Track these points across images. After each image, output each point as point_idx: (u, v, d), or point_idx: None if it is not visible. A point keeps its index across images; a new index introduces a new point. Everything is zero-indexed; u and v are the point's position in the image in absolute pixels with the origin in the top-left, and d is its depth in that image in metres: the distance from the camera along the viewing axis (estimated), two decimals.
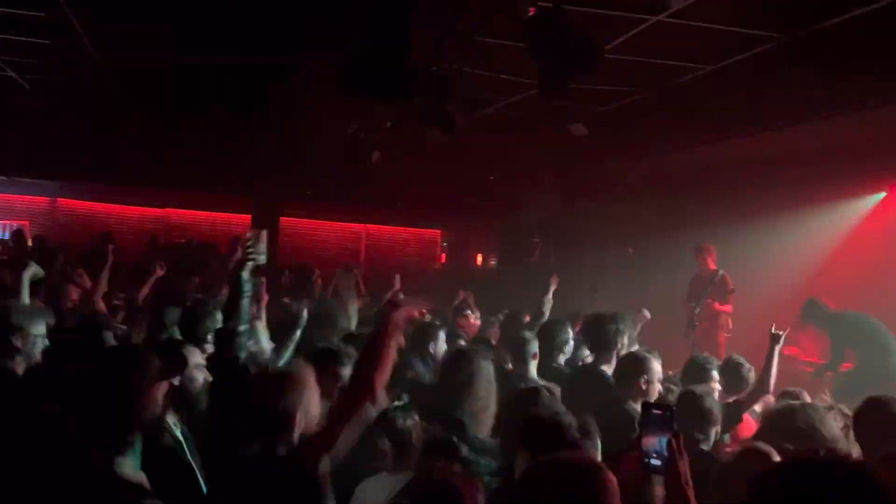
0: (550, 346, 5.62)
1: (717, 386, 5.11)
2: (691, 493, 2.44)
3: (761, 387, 5.05)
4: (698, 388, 4.28)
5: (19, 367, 3.99)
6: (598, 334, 5.36)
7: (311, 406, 2.92)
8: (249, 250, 4.16)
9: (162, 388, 2.73)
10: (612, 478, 2.17)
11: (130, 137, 12.98)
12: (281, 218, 15.10)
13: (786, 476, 1.73)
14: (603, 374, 5.16)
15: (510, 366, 5.40)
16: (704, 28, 6.78)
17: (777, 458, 3.05)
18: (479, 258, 15.12)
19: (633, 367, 4.70)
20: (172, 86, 11.10)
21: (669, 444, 2.49)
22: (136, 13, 7.93)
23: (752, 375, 5.38)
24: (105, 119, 12.80)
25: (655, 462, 2.51)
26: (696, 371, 5.23)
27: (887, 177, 8.60)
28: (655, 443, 2.51)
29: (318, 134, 11.37)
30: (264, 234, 4.26)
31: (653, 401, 4.28)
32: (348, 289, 9.01)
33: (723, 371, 5.34)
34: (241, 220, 15.44)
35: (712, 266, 9.26)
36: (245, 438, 2.93)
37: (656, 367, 4.68)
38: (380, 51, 5.19)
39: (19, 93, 12.07)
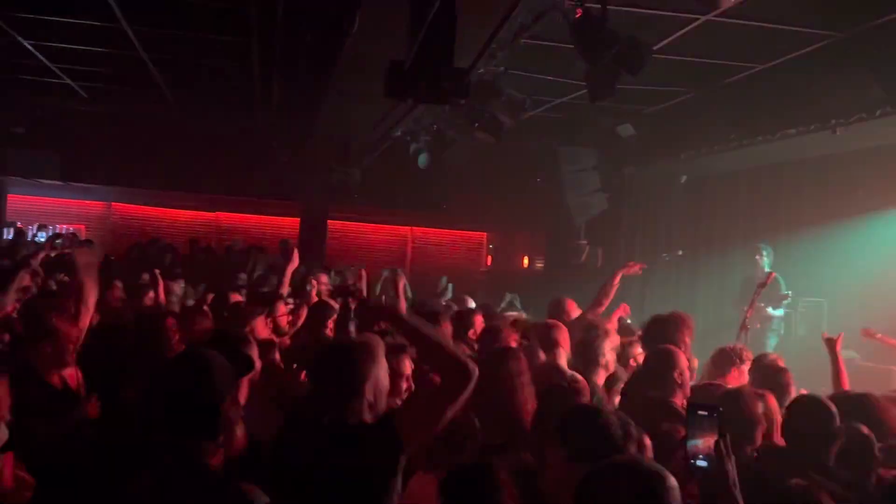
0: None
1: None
2: (739, 495, 2.42)
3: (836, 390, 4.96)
4: (744, 388, 4.17)
5: None
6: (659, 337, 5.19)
7: (381, 378, 2.94)
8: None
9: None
10: (676, 484, 2.15)
11: (182, 143, 13.26)
12: (328, 221, 15.25)
13: None
14: None
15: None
16: (754, 27, 6.69)
17: None
18: (526, 260, 15.07)
19: (664, 361, 4.59)
20: (222, 91, 11.31)
21: (717, 445, 2.46)
22: (188, 20, 8.10)
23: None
24: (158, 125, 13.10)
25: (702, 464, 2.47)
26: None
27: None
28: (701, 445, 2.48)
29: (365, 138, 11.47)
30: None
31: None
32: (392, 291, 9.07)
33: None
34: (289, 223, 15.63)
35: (766, 268, 9.09)
36: (318, 405, 2.98)
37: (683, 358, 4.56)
38: (426, 54, 5.21)
39: (76, 100, 12.43)
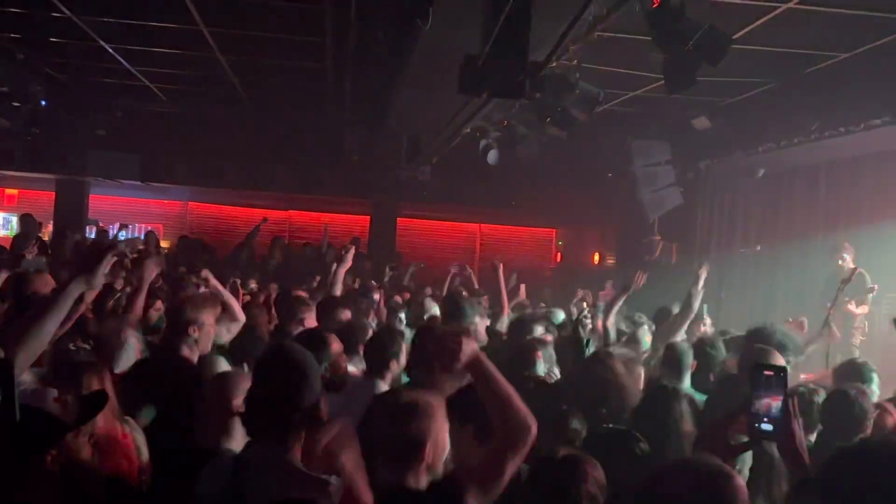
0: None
1: (875, 390, 4.80)
2: (806, 456, 2.33)
3: None
4: (851, 389, 4.02)
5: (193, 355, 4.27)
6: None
7: (440, 438, 2.76)
8: None
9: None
10: (742, 484, 2.10)
11: (255, 142, 13.52)
12: (398, 218, 15.35)
13: None
14: None
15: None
16: (837, 13, 6.47)
17: None
18: (597, 257, 14.89)
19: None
20: (296, 90, 11.50)
21: (784, 406, 2.36)
22: (264, 20, 8.26)
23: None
24: (232, 125, 13.39)
25: (767, 427, 2.37)
26: (853, 374, 4.91)
27: None
28: (766, 406, 2.38)
29: (435, 134, 11.50)
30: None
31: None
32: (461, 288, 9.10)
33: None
34: (359, 221, 15.79)
35: (850, 264, 8.79)
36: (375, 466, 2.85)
37: None
38: (501, 48, 5.18)
39: (154, 102, 12.79)
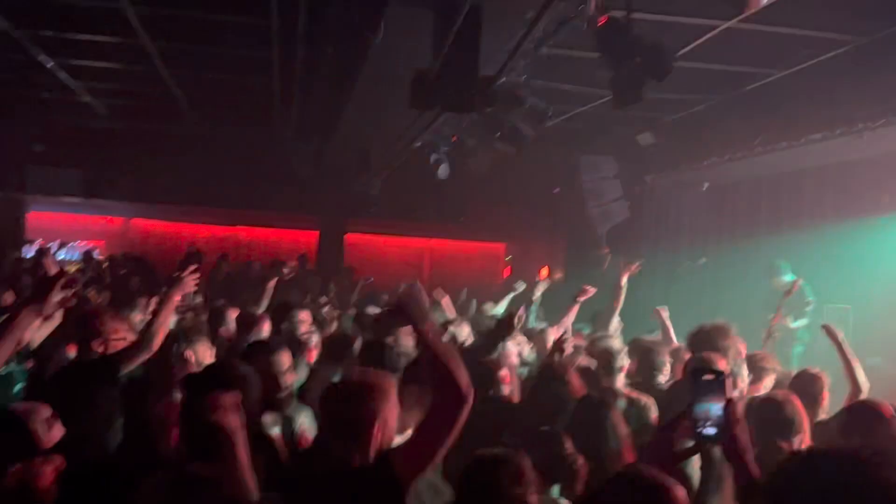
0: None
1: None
2: (752, 458, 2.33)
3: (853, 388, 4.92)
4: (780, 395, 4.11)
5: None
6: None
7: (390, 418, 2.79)
8: None
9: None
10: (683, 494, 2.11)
11: (201, 158, 13.33)
12: (346, 234, 15.26)
13: None
14: None
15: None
16: (775, 32, 6.65)
17: None
18: (545, 271, 14.99)
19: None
20: (242, 106, 11.37)
21: (725, 410, 2.36)
22: (210, 34, 8.15)
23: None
24: (177, 141, 13.18)
25: (710, 431, 2.36)
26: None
27: None
28: (708, 411, 2.37)
29: (384, 150, 11.49)
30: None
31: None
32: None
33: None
34: (308, 236, 15.65)
35: (785, 279, 9.03)
36: (323, 445, 2.87)
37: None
38: (452, 63, 5.21)
39: (96, 117, 12.53)
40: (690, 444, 2.48)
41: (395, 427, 2.83)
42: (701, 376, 2.44)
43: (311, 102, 9.60)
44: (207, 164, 13.42)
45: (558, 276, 14.36)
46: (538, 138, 8.39)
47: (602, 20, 5.54)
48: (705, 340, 4.89)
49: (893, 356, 8.82)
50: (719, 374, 2.44)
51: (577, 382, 4.13)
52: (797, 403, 3.88)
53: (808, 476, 1.66)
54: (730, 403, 2.37)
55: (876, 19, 6.27)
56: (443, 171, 10.21)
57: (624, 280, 7.18)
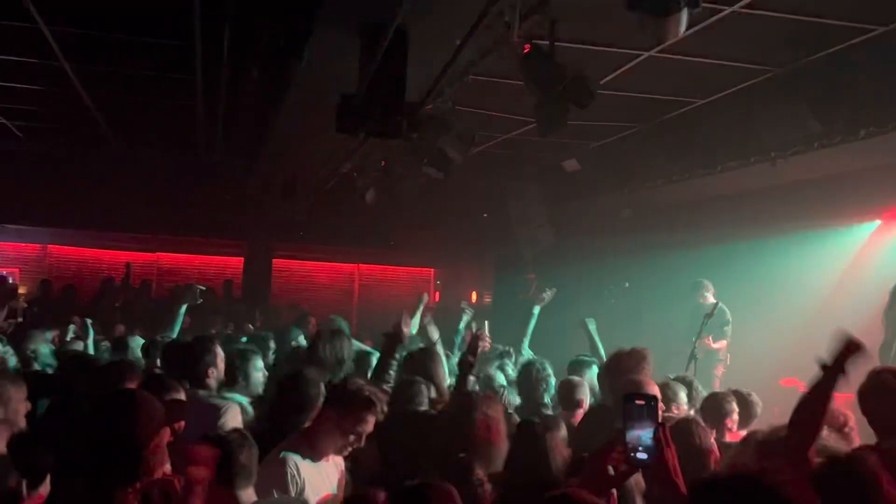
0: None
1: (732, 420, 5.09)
2: (682, 483, 2.37)
3: None
4: (688, 420, 4.19)
5: None
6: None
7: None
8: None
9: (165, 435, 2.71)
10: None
11: (121, 182, 12.97)
12: (274, 259, 15.05)
13: None
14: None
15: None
16: (694, 62, 6.87)
17: None
18: (474, 295, 15.07)
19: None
20: (164, 129, 11.14)
21: (655, 435, 2.39)
22: (130, 57, 7.97)
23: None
24: (96, 165, 12.82)
25: (642, 455, 2.39)
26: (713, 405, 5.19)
27: (881, 205, 8.66)
28: (640, 436, 2.40)
29: (311, 174, 11.40)
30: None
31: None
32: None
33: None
34: (233, 262, 15.37)
35: (711, 300, 9.28)
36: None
37: None
38: (377, 88, 5.22)
39: (11, 140, 12.09)
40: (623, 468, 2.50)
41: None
42: (633, 401, 2.47)
43: (236, 126, 9.48)
44: (129, 188, 13.05)
45: (487, 300, 14.46)
46: (467, 164, 8.45)
47: (526, 48, 5.64)
48: (621, 366, 4.99)
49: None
50: (650, 399, 2.47)
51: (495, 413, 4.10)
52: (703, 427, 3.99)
53: (715, 499, 1.70)
54: (661, 428, 2.40)
55: (790, 50, 6.51)
56: (370, 196, 10.18)
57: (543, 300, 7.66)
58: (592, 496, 2.30)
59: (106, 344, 7.42)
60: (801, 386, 3.45)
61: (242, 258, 14.88)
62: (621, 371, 4.80)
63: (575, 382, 5.59)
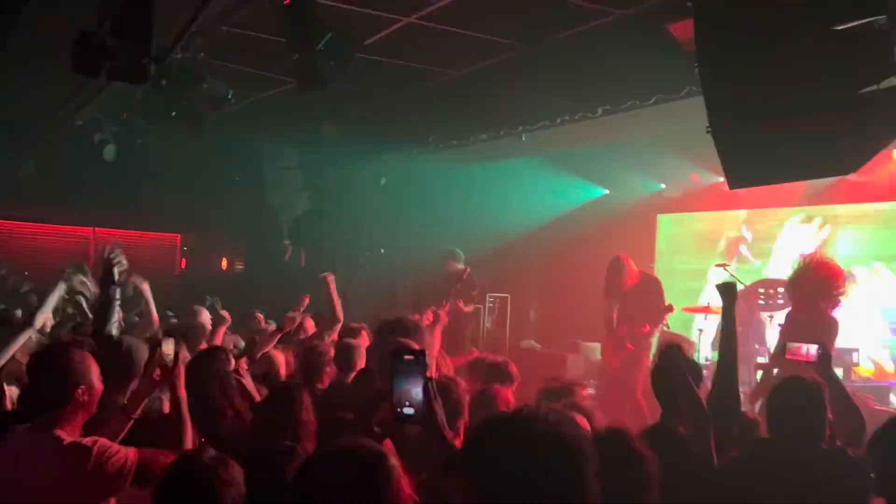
0: None
1: None
2: (451, 436, 2.42)
3: None
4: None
5: None
6: None
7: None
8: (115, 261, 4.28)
9: None
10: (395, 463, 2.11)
11: None
12: None
13: None
14: None
15: None
16: (452, 32, 7.00)
17: None
18: (225, 262, 14.50)
19: None
20: None
21: (425, 389, 2.39)
22: None
23: None
24: None
25: (409, 410, 2.38)
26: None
27: None
28: (408, 392, 2.39)
29: (40, 126, 10.29)
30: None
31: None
32: None
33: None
34: None
35: (459, 266, 9.60)
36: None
37: None
38: (122, 28, 4.74)
39: None
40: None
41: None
42: (402, 357, 2.43)
43: None
44: None
45: (239, 267, 13.99)
46: (219, 123, 8.04)
47: (287, 1, 5.44)
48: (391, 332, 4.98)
49: (546, 340, 9.88)
50: (419, 354, 2.44)
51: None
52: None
53: (493, 439, 1.72)
54: (428, 383, 2.39)
55: (542, 28, 6.83)
56: (109, 152, 9.39)
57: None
58: (371, 443, 2.24)
59: None
60: None
61: None
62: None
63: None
